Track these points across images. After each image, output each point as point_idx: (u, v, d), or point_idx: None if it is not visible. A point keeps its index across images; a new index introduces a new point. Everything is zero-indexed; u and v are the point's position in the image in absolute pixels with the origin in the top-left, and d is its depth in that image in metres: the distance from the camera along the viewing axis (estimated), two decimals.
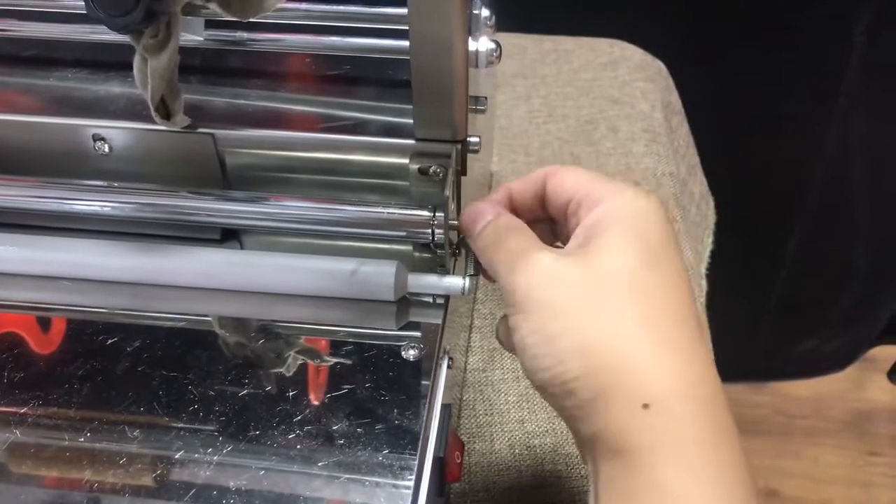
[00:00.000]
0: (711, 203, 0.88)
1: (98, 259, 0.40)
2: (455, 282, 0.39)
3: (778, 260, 1.15)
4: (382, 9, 0.40)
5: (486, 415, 0.53)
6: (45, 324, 0.40)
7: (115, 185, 0.42)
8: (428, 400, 0.35)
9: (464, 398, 0.54)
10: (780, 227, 1.11)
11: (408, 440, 0.34)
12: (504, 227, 0.36)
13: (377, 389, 0.36)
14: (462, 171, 0.41)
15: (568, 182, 0.35)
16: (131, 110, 0.42)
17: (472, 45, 0.39)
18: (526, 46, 0.86)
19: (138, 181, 0.42)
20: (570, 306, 0.31)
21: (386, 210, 0.40)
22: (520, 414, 0.53)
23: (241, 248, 0.44)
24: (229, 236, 0.43)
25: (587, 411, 0.31)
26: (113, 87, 0.43)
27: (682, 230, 0.68)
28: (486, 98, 0.44)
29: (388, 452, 0.34)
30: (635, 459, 0.29)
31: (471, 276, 0.40)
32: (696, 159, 0.86)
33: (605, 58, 0.85)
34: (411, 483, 0.32)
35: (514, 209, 0.38)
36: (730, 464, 0.29)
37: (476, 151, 0.41)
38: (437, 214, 0.39)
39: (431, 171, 0.40)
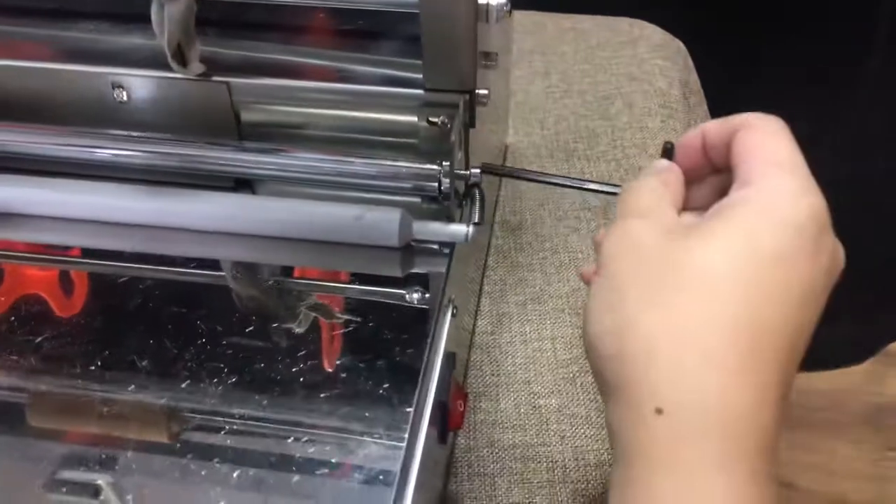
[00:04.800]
0: None
1: (113, 200, 0.42)
2: (459, 229, 0.40)
3: None
4: None
5: (493, 375, 0.54)
6: (63, 264, 0.41)
7: (134, 134, 0.43)
8: (430, 342, 0.36)
9: (471, 359, 0.55)
10: None
11: (408, 377, 0.35)
12: (656, 179, 0.33)
13: (381, 330, 0.37)
14: (470, 122, 0.41)
15: (748, 144, 0.31)
16: (150, 59, 0.43)
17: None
18: (545, 24, 0.87)
19: (157, 130, 0.43)
20: (634, 283, 0.28)
21: (394, 163, 0.41)
22: (526, 375, 0.54)
23: None
24: (243, 187, 0.44)
25: (611, 400, 0.28)
26: (134, 38, 0.45)
27: None
28: (496, 54, 0.44)
29: (389, 387, 0.34)
30: (635, 472, 0.27)
31: (475, 224, 0.40)
32: None
33: (624, 36, 0.85)
34: (409, 415, 0.33)
35: (706, 150, 0.34)
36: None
37: (484, 104, 0.41)
38: (443, 164, 0.39)
39: (440, 121, 0.40)
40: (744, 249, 0.28)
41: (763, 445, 0.27)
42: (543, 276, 0.61)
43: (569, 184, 0.40)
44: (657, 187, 0.32)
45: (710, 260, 0.28)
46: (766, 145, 0.30)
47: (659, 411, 0.26)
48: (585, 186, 0.39)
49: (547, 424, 0.51)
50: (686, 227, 0.30)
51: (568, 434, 0.51)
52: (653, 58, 0.81)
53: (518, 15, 0.88)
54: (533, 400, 0.52)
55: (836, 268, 0.30)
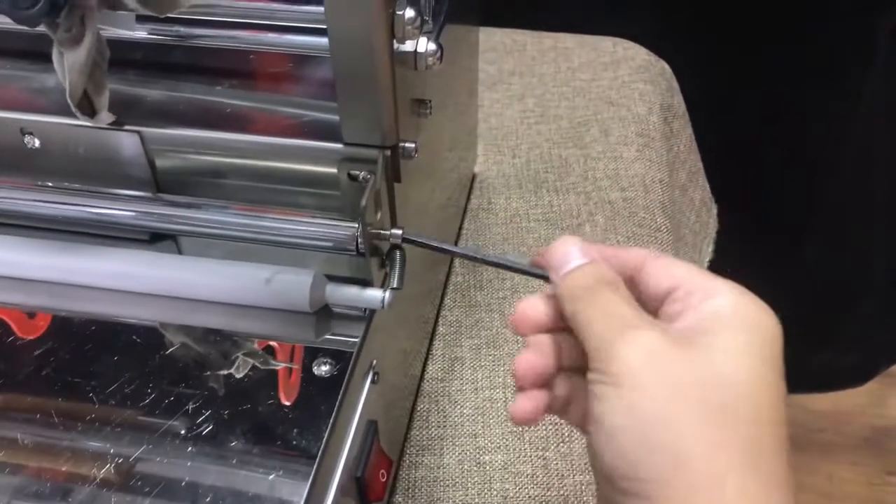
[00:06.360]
0: (714, 211, 0.84)
1: (14, 255, 0.39)
2: (374, 295, 0.37)
3: (794, 269, 1.11)
4: (307, 7, 0.38)
5: (439, 427, 0.52)
6: None
7: (48, 184, 0.41)
8: (332, 419, 0.34)
9: (418, 408, 0.53)
10: (795, 234, 1.07)
11: (303, 462, 0.32)
12: (604, 280, 0.32)
13: (280, 406, 0.34)
14: (395, 177, 0.39)
15: (676, 270, 0.32)
16: (63, 104, 0.41)
17: (410, 46, 0.37)
18: (526, 43, 0.84)
19: (71, 179, 0.41)
20: (677, 401, 0.28)
21: (311, 219, 0.38)
22: (473, 428, 0.51)
23: (178, 250, 0.42)
24: (161, 239, 0.42)
25: None
26: (49, 81, 0.42)
27: (672, 241, 0.66)
28: (430, 101, 0.42)
29: (282, 474, 0.32)
30: None
31: (393, 289, 0.38)
32: (699, 165, 0.83)
33: (606, 57, 0.82)
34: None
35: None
36: None
37: (411, 157, 0.39)
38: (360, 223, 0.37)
39: (361, 177, 0.38)
40: (761, 361, 0.29)
41: None
42: (501, 317, 0.58)
43: (494, 260, 0.37)
44: (621, 286, 0.32)
45: (744, 374, 0.29)
46: (693, 268, 0.32)
47: None
48: (512, 266, 0.37)
49: (490, 483, 0.49)
50: (686, 340, 0.30)
51: (511, 494, 0.48)
52: (634, 81, 0.78)
53: (498, 33, 0.86)
54: (478, 455, 0.50)
55: None
